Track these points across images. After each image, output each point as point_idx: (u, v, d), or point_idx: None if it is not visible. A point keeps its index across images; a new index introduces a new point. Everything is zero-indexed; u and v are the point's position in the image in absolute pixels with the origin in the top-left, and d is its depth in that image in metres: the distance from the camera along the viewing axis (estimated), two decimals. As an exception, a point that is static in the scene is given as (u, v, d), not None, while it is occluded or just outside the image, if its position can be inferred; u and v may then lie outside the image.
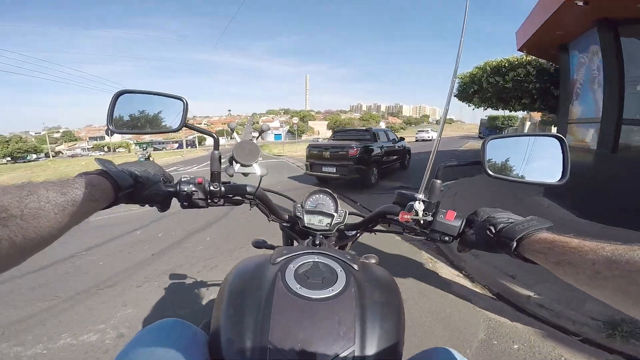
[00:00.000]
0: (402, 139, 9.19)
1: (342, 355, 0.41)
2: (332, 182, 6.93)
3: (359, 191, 6.06)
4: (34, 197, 0.36)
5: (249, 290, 0.50)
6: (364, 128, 8.04)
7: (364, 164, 6.42)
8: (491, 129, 34.66)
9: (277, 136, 74.91)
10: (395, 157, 8.30)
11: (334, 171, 6.51)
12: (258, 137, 0.66)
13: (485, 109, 10.44)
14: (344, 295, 0.49)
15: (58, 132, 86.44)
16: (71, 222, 0.40)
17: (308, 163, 7.06)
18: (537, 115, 30.64)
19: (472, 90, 8.68)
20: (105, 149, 53.70)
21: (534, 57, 7.22)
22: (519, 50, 5.46)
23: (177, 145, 51.07)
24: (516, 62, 7.68)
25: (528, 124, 31.62)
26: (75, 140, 75.85)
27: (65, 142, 74.44)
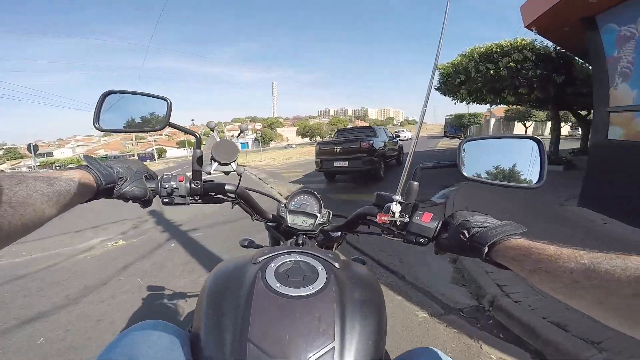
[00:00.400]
0: (397, 135, 9.80)
1: (321, 351, 0.42)
2: (341, 181, 7.53)
3: (371, 185, 6.50)
4: (24, 185, 0.38)
5: (229, 290, 0.51)
6: (366, 125, 8.92)
7: (374, 156, 6.89)
8: (456, 127, 35.55)
9: (243, 145, 73.86)
10: (394, 152, 8.81)
11: (347, 165, 6.97)
12: (238, 135, 0.70)
13: (469, 102, 9.51)
14: (324, 293, 0.49)
15: (1, 149, 78.26)
16: (54, 213, 0.43)
17: (318, 160, 7.44)
18: (499, 112, 31.46)
19: (458, 81, 7.58)
20: (54, 166, 49.55)
21: (530, 41, 6.60)
22: (526, 27, 4.66)
23: (135, 156, 48.55)
24: (510, 47, 6.76)
25: (493, 120, 32.74)
26: (21, 157, 68.99)
27: (9, 160, 67.52)
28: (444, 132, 36.21)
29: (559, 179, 5.86)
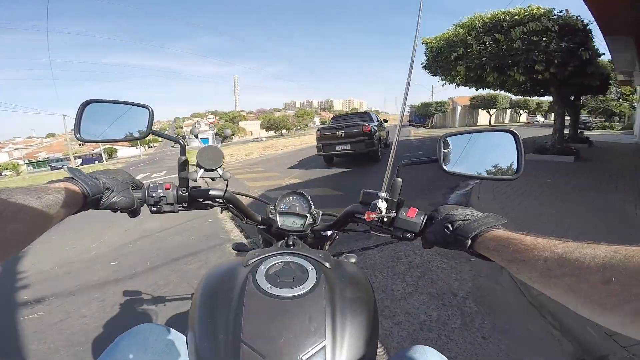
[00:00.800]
0: (385, 120, 10.20)
1: (313, 350, 0.43)
2: (341, 168, 7.66)
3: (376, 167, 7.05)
4: (12, 200, 0.38)
5: (221, 293, 0.52)
6: (362, 111, 9.52)
7: (374, 139, 7.51)
8: (422, 116, 35.78)
9: (205, 140, 70.32)
10: (384, 136, 9.21)
11: (349, 148, 7.55)
12: (223, 141, 0.70)
13: (463, 84, 8.22)
14: (314, 292, 0.50)
15: None
16: (45, 226, 0.43)
17: (320, 145, 7.96)
18: (462, 101, 32.46)
19: (454, 55, 6.45)
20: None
21: (548, 9, 5.54)
22: None
23: (80, 161, 44.48)
24: (523, 15, 5.60)
25: (459, 108, 33.56)
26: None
27: None
28: (409, 121, 36.65)
29: (578, 173, 5.18)
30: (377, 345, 0.52)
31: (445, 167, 0.59)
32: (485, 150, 0.61)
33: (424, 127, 32.72)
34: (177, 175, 0.68)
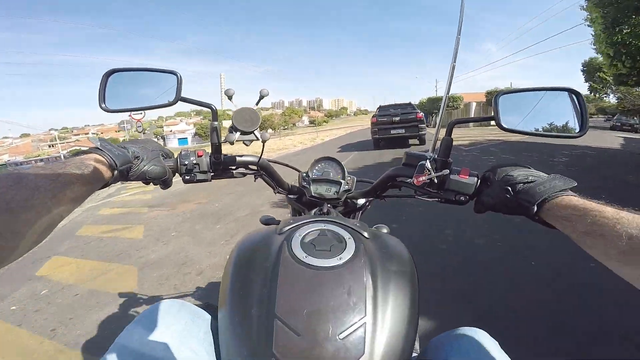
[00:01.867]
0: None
1: (353, 327, 0.40)
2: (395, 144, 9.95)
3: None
4: (22, 185, 0.33)
5: (255, 262, 0.50)
6: (405, 102, 11.25)
7: (423, 124, 9.54)
8: (428, 113, 33.30)
9: (182, 140, 68.23)
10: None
11: (404, 132, 9.56)
12: (258, 102, 0.65)
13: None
14: (353, 263, 0.47)
15: None
16: (65, 210, 0.38)
17: (376, 129, 9.99)
18: (472, 97, 31.42)
19: None
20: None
21: None
22: None
23: (42, 163, 42.61)
24: None
25: (474, 104, 32.08)
26: None
27: None
28: None
29: None
30: (417, 324, 0.49)
31: (503, 124, 0.56)
32: (544, 108, 0.59)
33: (427, 125, 28.11)
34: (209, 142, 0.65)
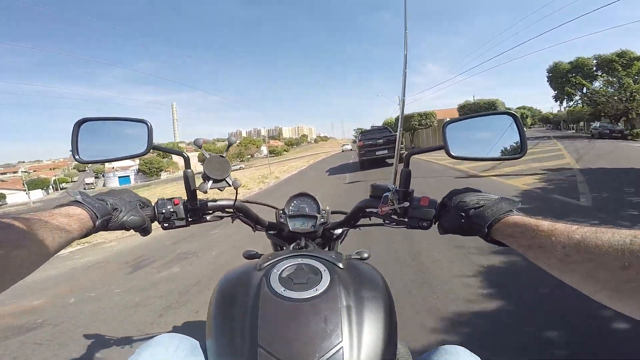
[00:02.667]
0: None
1: (331, 352, 0.43)
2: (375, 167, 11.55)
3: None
4: (15, 226, 0.39)
5: (236, 297, 0.54)
6: (382, 126, 13.51)
7: (402, 145, 11.85)
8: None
9: (124, 179, 62.38)
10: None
11: (386, 152, 11.39)
12: (227, 149, 0.70)
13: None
14: (328, 294, 0.51)
15: None
16: (50, 252, 0.42)
17: (363, 151, 11.81)
18: (444, 114, 29.56)
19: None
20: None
21: None
22: None
23: None
24: None
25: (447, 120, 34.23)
26: None
27: None
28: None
29: None
30: (396, 345, 0.54)
31: (452, 152, 0.61)
32: (487, 133, 0.65)
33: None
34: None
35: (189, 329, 2.04)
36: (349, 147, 56.91)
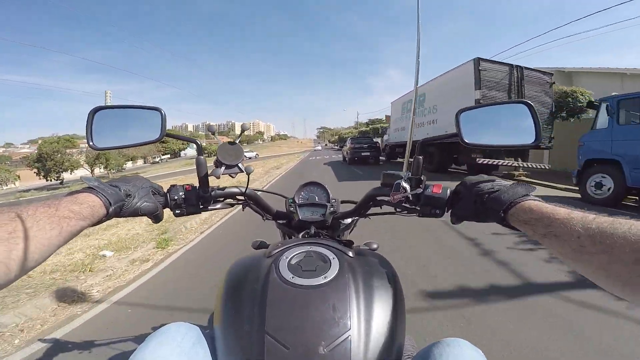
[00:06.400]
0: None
1: (338, 340, 0.45)
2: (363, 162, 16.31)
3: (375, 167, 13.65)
4: (22, 218, 0.40)
5: (245, 284, 0.57)
6: (366, 135, 26.47)
7: (379, 149, 17.16)
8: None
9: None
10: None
11: (368, 154, 16.22)
12: (240, 135, 0.75)
13: None
14: (337, 281, 0.54)
15: None
16: (60, 241, 0.44)
17: (353, 151, 16.45)
18: None
19: None
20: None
21: None
22: None
23: None
24: None
25: None
26: None
27: None
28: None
29: None
30: (404, 336, 0.57)
31: (465, 140, 0.65)
32: (502, 121, 0.68)
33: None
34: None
35: (196, 318, 2.06)
36: (319, 147, 61.95)
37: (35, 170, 29.61)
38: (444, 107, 10.33)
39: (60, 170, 29.80)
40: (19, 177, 34.05)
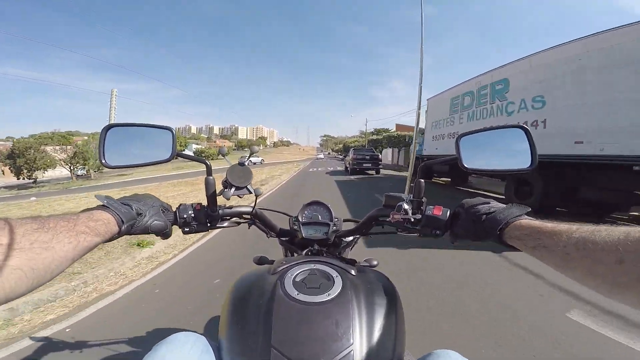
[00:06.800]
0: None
1: (341, 354, 0.48)
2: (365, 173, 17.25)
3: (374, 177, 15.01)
4: (44, 230, 0.42)
5: (251, 299, 0.59)
6: (369, 148, 25.02)
7: (380, 161, 17.99)
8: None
9: None
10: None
11: (370, 165, 17.22)
12: (248, 158, 0.76)
13: None
14: (340, 298, 0.56)
15: None
16: (76, 255, 0.46)
17: (355, 162, 17.32)
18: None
19: None
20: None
21: None
22: None
23: None
24: None
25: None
26: None
27: None
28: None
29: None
30: (404, 351, 0.59)
31: (465, 165, 0.68)
32: (500, 146, 0.71)
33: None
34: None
35: (203, 328, 2.12)
36: (321, 156, 62.95)
37: (9, 167, 28.10)
38: (576, 97, 5.50)
39: (33, 168, 27.85)
40: (3, 172, 32.65)
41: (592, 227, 0.40)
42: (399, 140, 34.00)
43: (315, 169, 24.30)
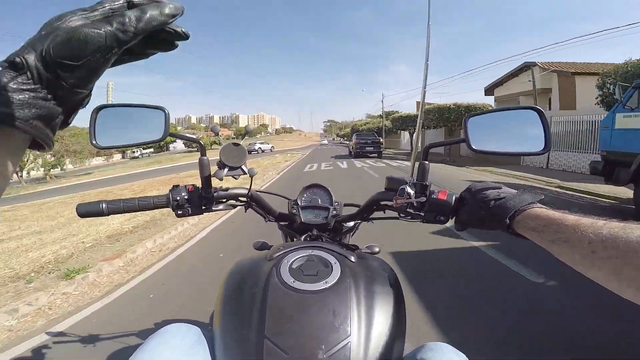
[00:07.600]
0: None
1: (337, 347, 0.46)
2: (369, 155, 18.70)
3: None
4: None
5: (245, 287, 0.58)
6: (370, 132, 26.09)
7: (382, 145, 19.98)
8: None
9: None
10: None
11: (372, 149, 19.03)
12: (244, 137, 0.74)
13: None
14: (338, 287, 0.54)
15: None
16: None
17: (357, 146, 19.20)
18: None
19: None
20: None
21: None
22: None
23: None
24: None
25: None
26: None
27: None
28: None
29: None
30: (404, 343, 0.57)
31: (473, 146, 0.65)
32: (511, 127, 0.68)
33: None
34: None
35: (197, 318, 2.14)
36: (325, 142, 64.92)
37: None
38: None
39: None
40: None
41: (622, 224, 0.37)
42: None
43: (312, 168, 14.13)
